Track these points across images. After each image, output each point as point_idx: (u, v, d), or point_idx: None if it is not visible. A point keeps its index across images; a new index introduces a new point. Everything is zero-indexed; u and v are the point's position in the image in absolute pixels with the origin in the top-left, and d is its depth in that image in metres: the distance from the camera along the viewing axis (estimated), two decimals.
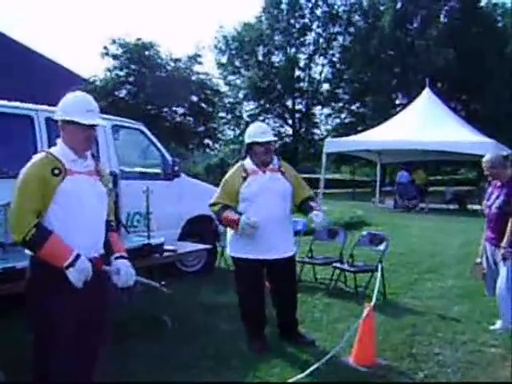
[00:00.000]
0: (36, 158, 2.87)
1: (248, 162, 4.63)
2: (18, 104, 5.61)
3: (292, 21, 37.23)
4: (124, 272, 3.00)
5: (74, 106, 2.93)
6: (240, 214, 4.44)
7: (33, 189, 2.76)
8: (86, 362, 3.01)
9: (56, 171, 2.80)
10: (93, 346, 3.03)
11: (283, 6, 37.14)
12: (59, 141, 2.97)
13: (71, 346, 2.87)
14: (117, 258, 3.06)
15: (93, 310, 2.96)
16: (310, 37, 37.96)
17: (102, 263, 2.99)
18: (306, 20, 37.59)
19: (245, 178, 4.52)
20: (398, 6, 32.95)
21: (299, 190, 4.70)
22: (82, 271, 2.77)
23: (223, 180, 4.69)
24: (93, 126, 2.96)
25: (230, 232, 4.72)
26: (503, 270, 4.81)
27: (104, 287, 3.06)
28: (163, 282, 4.27)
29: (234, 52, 38.19)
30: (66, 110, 2.91)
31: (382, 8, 34.32)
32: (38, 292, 2.86)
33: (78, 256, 2.77)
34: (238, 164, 4.71)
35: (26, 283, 2.94)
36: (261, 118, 35.59)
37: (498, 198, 4.95)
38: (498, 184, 5.02)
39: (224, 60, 38.50)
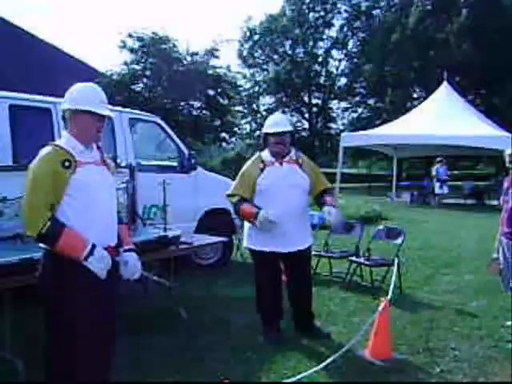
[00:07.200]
0: (44, 151, 2.82)
1: (265, 154, 4.63)
2: (36, 97, 5.66)
3: (315, 14, 37.03)
4: (131, 264, 3.00)
5: (89, 96, 2.88)
6: (258, 207, 4.42)
7: (44, 183, 2.72)
8: (103, 358, 2.96)
9: (66, 163, 2.76)
10: (108, 341, 2.99)
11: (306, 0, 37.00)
12: (65, 133, 2.94)
13: (88, 344, 2.82)
14: (126, 250, 3.05)
15: (108, 305, 2.94)
16: (330, 32, 37.92)
17: (115, 253, 2.98)
18: (329, 15, 37.38)
19: (262, 170, 4.52)
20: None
21: (317, 182, 4.68)
22: (102, 259, 2.77)
23: (241, 171, 4.68)
24: (105, 118, 2.94)
25: (247, 224, 4.71)
26: None
27: (117, 280, 3.04)
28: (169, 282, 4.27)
29: (255, 45, 38.12)
30: (81, 99, 2.86)
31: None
32: (52, 288, 2.82)
33: (93, 246, 2.76)
34: (256, 155, 4.71)
35: (38, 279, 2.91)
36: (277, 112, 35.52)
37: None
38: None
39: (245, 52, 38.47)
